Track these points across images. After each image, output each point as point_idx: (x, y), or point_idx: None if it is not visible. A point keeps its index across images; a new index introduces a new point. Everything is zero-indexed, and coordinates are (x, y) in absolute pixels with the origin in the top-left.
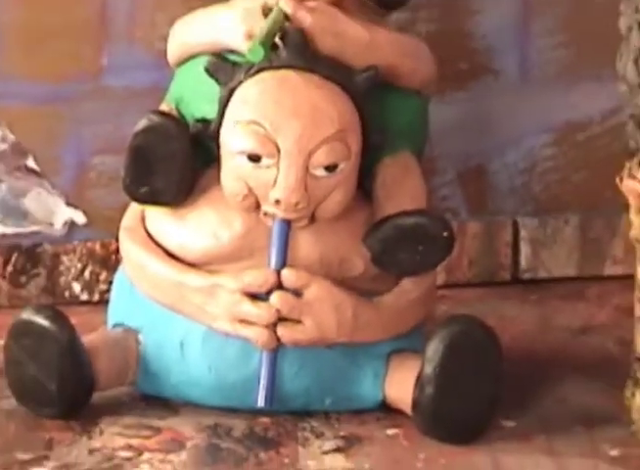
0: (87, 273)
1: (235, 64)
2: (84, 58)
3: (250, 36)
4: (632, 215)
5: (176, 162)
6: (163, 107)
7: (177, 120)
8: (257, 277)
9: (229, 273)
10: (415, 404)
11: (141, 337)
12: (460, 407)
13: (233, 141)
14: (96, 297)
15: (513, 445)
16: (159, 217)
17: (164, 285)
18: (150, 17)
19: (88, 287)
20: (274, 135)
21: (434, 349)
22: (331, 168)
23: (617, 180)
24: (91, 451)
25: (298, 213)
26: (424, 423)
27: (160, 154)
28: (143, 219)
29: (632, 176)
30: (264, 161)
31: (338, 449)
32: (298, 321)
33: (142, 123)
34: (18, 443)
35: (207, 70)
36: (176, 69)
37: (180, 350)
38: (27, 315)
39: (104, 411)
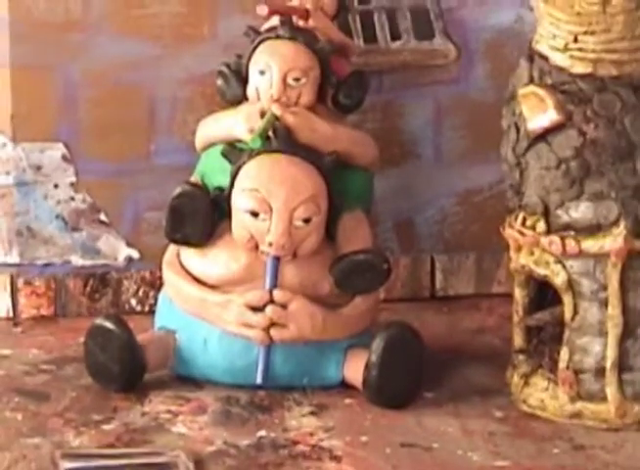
0: (141, 292)
1: (241, 149)
2: (139, 145)
3: (251, 131)
4: (511, 253)
5: (200, 217)
6: (192, 179)
7: (202, 188)
8: (256, 295)
9: (237, 293)
10: (364, 382)
11: (177, 336)
12: (395, 384)
13: (240, 202)
14: (146, 309)
15: (432, 410)
16: (189, 254)
17: (193, 300)
18: (183, 116)
19: (141, 302)
20: (268, 198)
21: (377, 344)
22: (307, 221)
23: (501, 229)
24: (143, 414)
25: (284, 252)
26: (371, 395)
27: (189, 211)
28: (178, 255)
29: (511, 226)
30: (261, 216)
31: (311, 413)
32: (285, 326)
33: (177, 190)
34: (93, 408)
35: (223, 154)
36: (201, 153)
37: (204, 345)
38: (99, 321)
39: (152, 387)
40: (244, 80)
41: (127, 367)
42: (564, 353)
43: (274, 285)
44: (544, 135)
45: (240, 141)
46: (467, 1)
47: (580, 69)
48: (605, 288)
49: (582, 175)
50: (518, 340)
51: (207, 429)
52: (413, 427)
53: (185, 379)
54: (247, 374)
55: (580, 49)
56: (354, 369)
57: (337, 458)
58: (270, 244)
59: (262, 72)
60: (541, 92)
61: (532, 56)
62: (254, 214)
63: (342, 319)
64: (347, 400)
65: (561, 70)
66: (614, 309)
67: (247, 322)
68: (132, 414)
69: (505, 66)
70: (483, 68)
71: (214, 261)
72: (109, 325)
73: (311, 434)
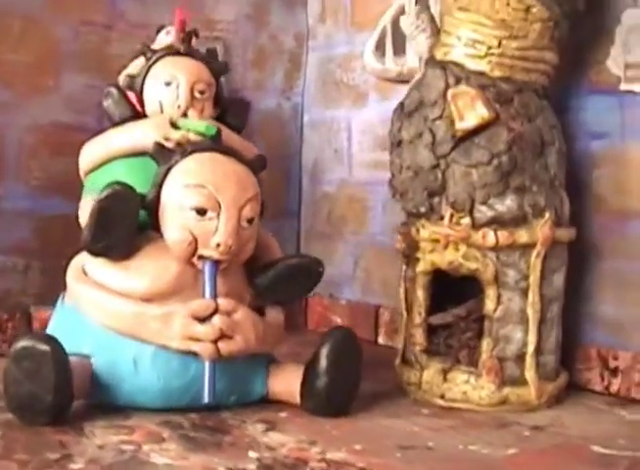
0: None
1: (170, 150)
2: None
3: (166, 139)
4: (419, 254)
5: (129, 223)
6: (86, 200)
7: (133, 190)
8: (202, 305)
9: (158, 306)
10: (309, 392)
11: (92, 360)
12: (342, 390)
13: (184, 199)
14: None
15: (369, 413)
16: (105, 267)
17: (124, 315)
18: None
19: None
20: (216, 194)
21: (326, 350)
22: (251, 221)
23: (401, 235)
24: (101, 447)
25: (229, 256)
26: (318, 404)
27: (118, 215)
28: (84, 271)
29: (436, 225)
30: (209, 213)
31: (268, 429)
32: (231, 337)
33: (106, 191)
34: (38, 445)
35: (151, 154)
36: (88, 174)
37: (134, 365)
38: (27, 343)
39: (76, 418)
40: (132, 99)
41: (62, 395)
42: (487, 344)
43: (214, 294)
44: (470, 134)
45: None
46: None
47: (499, 73)
48: (526, 277)
49: (510, 170)
50: (421, 340)
51: (191, 456)
52: (388, 429)
53: (102, 408)
54: (181, 395)
55: (501, 54)
56: (281, 382)
57: None
58: (218, 245)
59: (168, 84)
60: (472, 91)
61: (444, 65)
62: (201, 212)
63: (271, 330)
64: (282, 414)
65: (480, 74)
66: (534, 297)
67: (193, 335)
68: (90, 449)
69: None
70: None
71: (139, 273)
72: (42, 347)
73: (301, 449)
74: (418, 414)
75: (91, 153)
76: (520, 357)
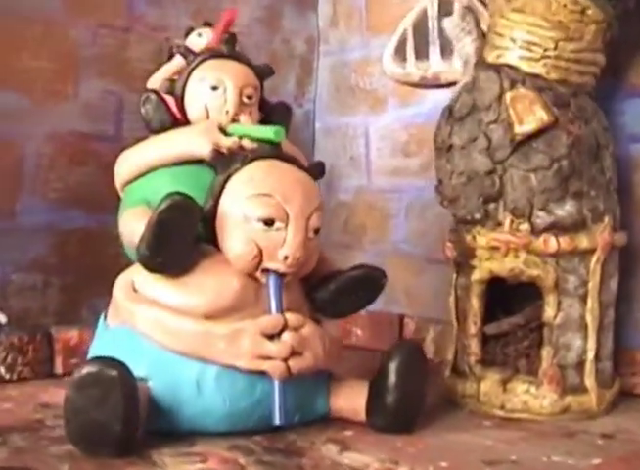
0: (9, 359)
1: (229, 157)
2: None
3: (216, 145)
4: (475, 262)
5: (189, 236)
6: (139, 210)
7: (193, 201)
8: (272, 321)
9: (225, 324)
10: (377, 408)
11: (150, 384)
12: (411, 407)
13: (249, 210)
14: (15, 377)
15: (430, 430)
16: (159, 284)
17: (187, 334)
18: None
19: (10, 369)
20: (284, 204)
21: (397, 364)
22: (317, 232)
23: (450, 244)
24: None
25: (296, 268)
26: (385, 421)
27: (178, 229)
28: (134, 289)
29: (495, 232)
30: (276, 224)
31: (343, 449)
32: (301, 354)
33: (166, 202)
34: None
35: (209, 163)
36: (127, 186)
37: (196, 387)
38: (93, 368)
39: (139, 447)
40: (171, 106)
41: (130, 424)
42: (547, 352)
43: (281, 308)
44: (529, 139)
45: (198, 161)
46: None
47: (555, 75)
48: (585, 283)
49: (569, 174)
50: (476, 350)
51: None
52: (462, 444)
53: (159, 436)
54: (248, 417)
55: (557, 56)
56: (344, 399)
57: None
58: (286, 257)
59: (214, 88)
60: (531, 94)
61: (497, 68)
62: (269, 223)
63: (334, 345)
64: (348, 432)
65: (536, 77)
66: (594, 303)
67: (263, 353)
68: None
69: None
70: None
71: (200, 289)
72: (110, 372)
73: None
74: (481, 427)
75: (130, 162)
76: (580, 365)
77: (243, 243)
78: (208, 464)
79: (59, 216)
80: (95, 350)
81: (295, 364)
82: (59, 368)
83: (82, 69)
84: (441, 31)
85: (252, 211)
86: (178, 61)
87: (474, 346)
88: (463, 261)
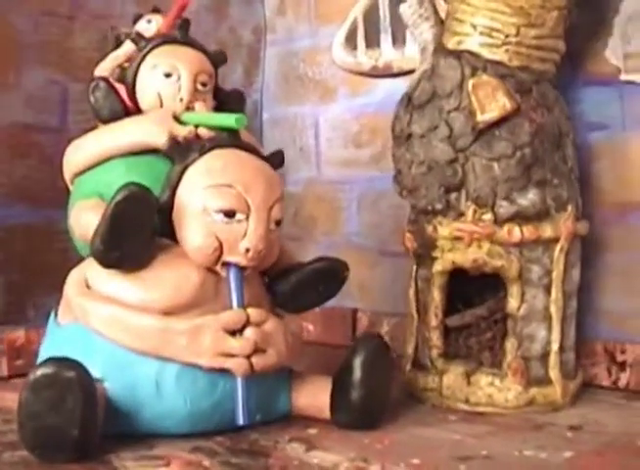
0: None
1: (186, 147)
2: None
3: (172, 133)
4: (437, 253)
5: (147, 229)
6: (91, 202)
7: (150, 191)
8: (234, 316)
9: (185, 320)
10: (341, 404)
11: (106, 385)
12: (377, 402)
13: (209, 201)
14: None
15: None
16: (114, 280)
17: (145, 331)
18: None
19: None
20: (245, 194)
21: (362, 359)
22: (278, 223)
23: (410, 235)
24: None
25: (258, 261)
26: (350, 418)
27: (135, 221)
28: (87, 285)
29: (458, 222)
30: (238, 215)
31: (309, 448)
32: (264, 351)
33: (123, 193)
34: None
35: (165, 153)
36: (73, 179)
37: (155, 387)
38: (49, 370)
39: (99, 451)
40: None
41: (89, 428)
42: (511, 344)
43: (242, 303)
44: (491, 126)
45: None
46: None
47: (517, 62)
48: (548, 273)
49: (532, 162)
50: (438, 343)
51: None
52: (430, 440)
53: (117, 438)
54: (209, 417)
55: (519, 43)
56: (307, 396)
57: None
58: (247, 250)
59: (168, 75)
60: (494, 81)
61: (458, 55)
62: (229, 215)
63: (296, 341)
64: (312, 431)
65: (497, 63)
66: (557, 293)
67: (225, 350)
68: None
69: None
70: None
71: (158, 284)
72: (67, 373)
73: (360, 468)
74: (446, 421)
75: (81, 153)
76: (544, 356)
77: (202, 236)
78: (172, 467)
79: (2, 212)
80: (46, 349)
81: (258, 361)
82: (4, 370)
83: (24, 57)
84: (393, 19)
85: (212, 202)
86: (127, 48)
87: (435, 338)
88: (424, 253)
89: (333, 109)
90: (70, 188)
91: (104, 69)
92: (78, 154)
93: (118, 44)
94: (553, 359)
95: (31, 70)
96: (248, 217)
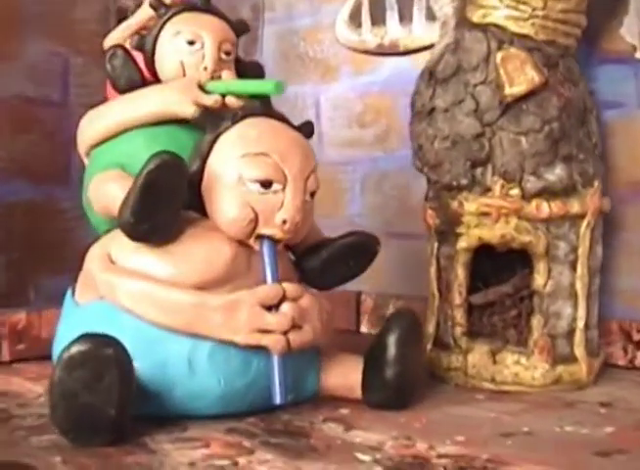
0: None
1: (218, 115)
2: None
3: (196, 103)
4: (462, 229)
5: (178, 201)
6: (113, 173)
7: (183, 160)
8: (271, 291)
9: (219, 295)
10: (375, 384)
11: (136, 364)
12: (411, 381)
13: (244, 171)
14: None
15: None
16: (141, 254)
17: (179, 308)
18: None
19: None
20: (282, 164)
21: (396, 337)
22: (313, 195)
23: (431, 212)
24: (191, 465)
25: (293, 233)
26: (384, 397)
27: (167, 191)
28: (111, 261)
29: (486, 197)
30: (274, 186)
31: (347, 428)
32: (300, 327)
33: (155, 162)
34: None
35: (195, 122)
36: (89, 151)
37: (188, 366)
38: (85, 346)
39: (133, 434)
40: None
41: (125, 408)
42: (537, 322)
43: (277, 277)
44: (519, 100)
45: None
46: None
47: (543, 36)
48: (574, 249)
49: (559, 137)
50: (462, 321)
51: (302, 466)
52: (468, 418)
53: (149, 420)
54: (243, 397)
55: (545, 16)
56: (337, 375)
57: (508, 463)
58: (284, 222)
59: (192, 43)
60: (522, 54)
61: (484, 28)
62: (266, 185)
63: (330, 319)
64: (344, 411)
65: (524, 37)
66: (583, 269)
67: (263, 326)
68: (182, 468)
69: None
70: None
71: (188, 259)
72: (105, 350)
73: (407, 446)
74: (476, 400)
75: (98, 124)
76: (569, 334)
77: (237, 206)
78: (214, 449)
79: (2, 188)
80: (65, 331)
81: (295, 338)
82: (5, 355)
83: (26, 28)
84: None
85: (248, 171)
86: (140, 17)
87: (459, 317)
88: (447, 229)
89: (335, 88)
90: (85, 161)
91: (114, 38)
92: (95, 124)
93: (123, 18)
94: (578, 337)
95: (33, 41)
96: (284, 188)
